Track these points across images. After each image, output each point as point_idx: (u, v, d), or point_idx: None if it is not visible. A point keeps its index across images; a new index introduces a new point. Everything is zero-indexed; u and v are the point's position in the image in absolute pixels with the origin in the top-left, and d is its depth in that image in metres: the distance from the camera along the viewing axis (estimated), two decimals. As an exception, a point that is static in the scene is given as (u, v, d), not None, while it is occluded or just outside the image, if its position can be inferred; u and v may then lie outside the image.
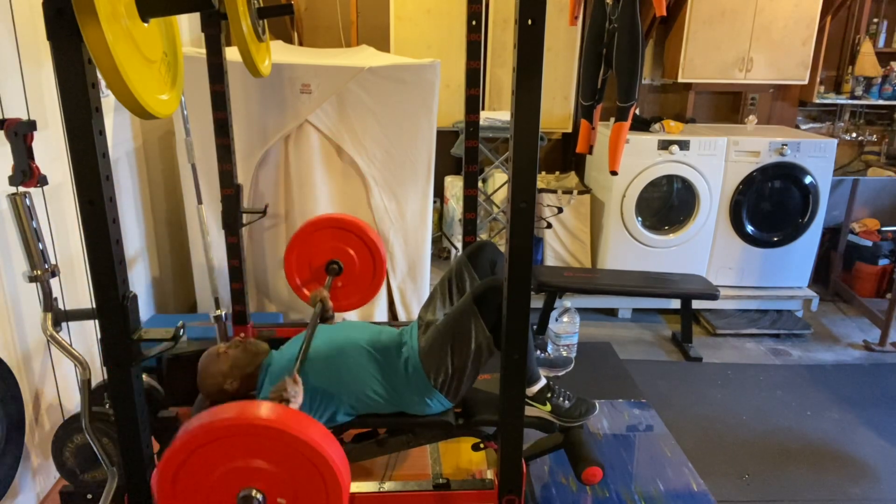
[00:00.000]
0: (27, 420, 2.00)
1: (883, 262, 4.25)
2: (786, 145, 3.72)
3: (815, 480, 2.54)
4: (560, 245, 4.08)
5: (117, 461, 1.79)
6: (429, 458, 2.29)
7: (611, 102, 3.13)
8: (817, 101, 4.28)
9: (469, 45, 2.37)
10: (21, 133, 1.56)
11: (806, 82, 4.07)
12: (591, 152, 3.24)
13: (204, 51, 2.34)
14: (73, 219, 2.32)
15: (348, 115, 3.00)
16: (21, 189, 1.64)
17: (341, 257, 2.53)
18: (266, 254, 3.25)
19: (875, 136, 4.49)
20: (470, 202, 2.59)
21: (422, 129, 3.05)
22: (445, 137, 3.84)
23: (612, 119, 3.01)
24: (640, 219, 3.85)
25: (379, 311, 3.33)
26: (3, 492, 1.85)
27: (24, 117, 1.63)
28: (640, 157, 3.70)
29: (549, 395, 1.91)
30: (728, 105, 4.50)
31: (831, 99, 4.32)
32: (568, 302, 3.41)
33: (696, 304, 3.76)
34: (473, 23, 2.34)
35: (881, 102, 4.30)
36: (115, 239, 1.30)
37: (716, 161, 3.75)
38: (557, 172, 4.51)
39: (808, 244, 3.93)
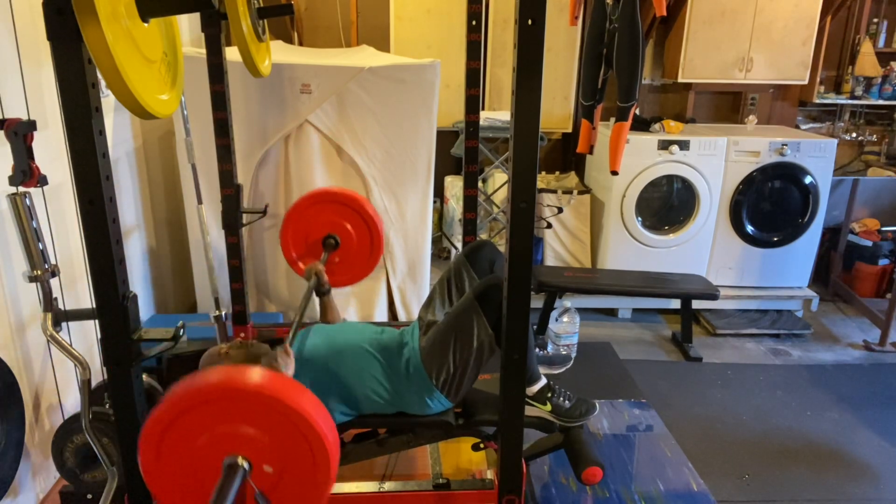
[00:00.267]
0: (27, 420, 2.00)
1: (883, 262, 4.25)
2: (786, 145, 3.72)
3: (815, 480, 2.54)
4: (560, 245, 4.08)
5: (117, 461, 1.80)
6: (429, 458, 2.29)
7: (611, 102, 3.14)
8: (817, 101, 4.29)
9: (469, 45, 2.37)
10: (21, 133, 1.56)
11: (806, 82, 4.07)
12: (591, 152, 3.24)
13: (204, 51, 2.34)
14: (73, 219, 2.32)
15: (348, 115, 3.00)
16: (21, 189, 1.64)
17: (338, 232, 2.48)
18: (266, 254, 3.25)
19: (875, 136, 4.49)
20: (470, 202, 2.59)
21: (422, 129, 3.06)
22: (445, 137, 3.84)
23: (613, 119, 3.01)
24: (640, 219, 3.85)
25: (379, 311, 3.33)
26: (3, 492, 1.85)
27: (24, 117, 1.63)
28: (640, 157, 3.70)
29: (549, 394, 1.91)
30: (728, 105, 4.50)
31: (831, 99, 4.32)
32: (568, 302, 3.41)
33: (696, 304, 3.76)
34: (473, 23, 2.34)
35: (881, 102, 4.30)
36: (115, 239, 1.30)
37: (716, 161, 3.75)
38: (557, 172, 4.51)
39: (808, 244, 3.93)
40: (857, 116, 4.50)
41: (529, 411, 1.82)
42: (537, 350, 3.38)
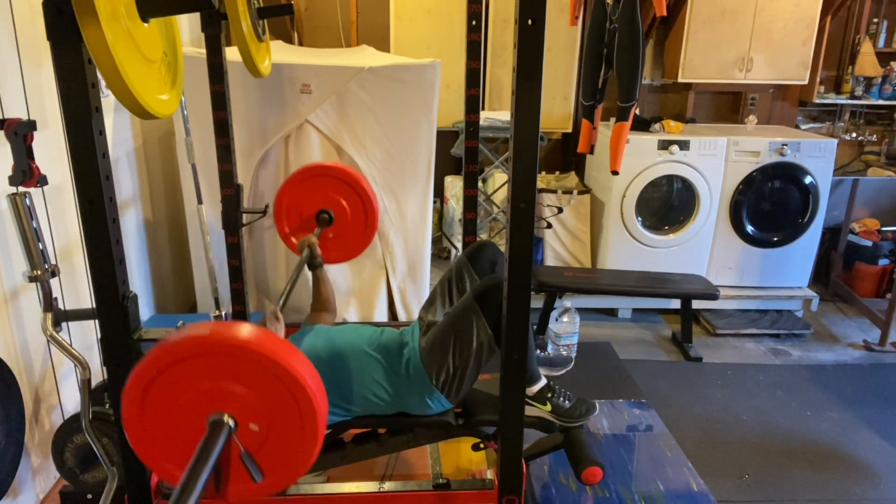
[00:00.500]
0: (27, 420, 2.00)
1: (883, 262, 4.25)
2: (786, 145, 3.72)
3: (815, 480, 2.54)
4: (560, 245, 4.08)
5: (117, 461, 1.80)
6: (429, 458, 2.28)
7: (611, 102, 3.13)
8: (817, 101, 4.29)
9: (469, 45, 2.37)
10: (21, 133, 1.56)
11: (806, 82, 4.07)
12: (591, 152, 3.24)
13: (204, 51, 2.33)
14: (73, 219, 2.32)
15: (348, 115, 3.00)
16: (21, 189, 1.64)
17: (333, 207, 2.43)
18: (266, 254, 3.25)
19: (875, 136, 4.49)
20: (470, 202, 2.59)
21: (422, 129, 3.06)
22: (445, 137, 3.84)
23: (613, 119, 3.01)
24: (640, 219, 3.85)
25: (379, 311, 3.33)
26: (3, 492, 1.85)
27: (24, 117, 1.63)
28: (640, 157, 3.70)
29: (549, 394, 1.91)
30: (728, 105, 4.50)
31: (831, 99, 4.32)
32: (568, 302, 3.41)
33: (696, 304, 3.76)
34: (473, 23, 2.34)
35: (881, 102, 4.30)
36: (115, 239, 1.30)
37: (716, 161, 3.75)
38: (557, 172, 4.51)
39: (808, 244, 3.93)
40: (857, 116, 4.50)
41: (529, 411, 1.82)
42: (538, 351, 3.38)
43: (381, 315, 3.34)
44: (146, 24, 1.21)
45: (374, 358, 1.84)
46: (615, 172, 3.04)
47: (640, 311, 4.02)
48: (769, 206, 3.89)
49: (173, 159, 3.20)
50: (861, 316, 4.06)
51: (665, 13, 3.68)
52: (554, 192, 4.00)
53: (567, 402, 1.92)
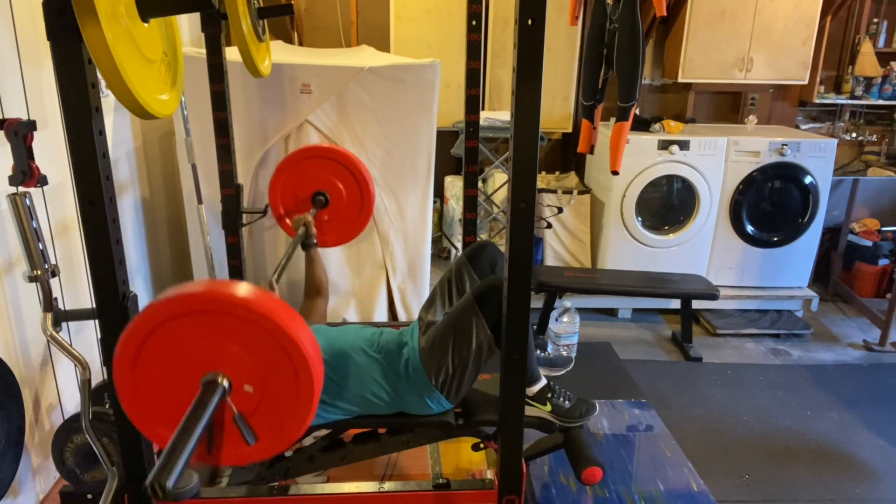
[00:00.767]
0: (27, 420, 2.00)
1: (883, 262, 4.25)
2: (786, 145, 3.72)
3: (815, 480, 2.54)
4: (560, 245, 4.08)
5: (117, 461, 1.80)
6: (429, 458, 2.29)
7: (611, 102, 3.13)
8: (817, 101, 4.29)
9: (469, 45, 2.37)
10: (21, 133, 1.56)
11: (806, 82, 4.07)
12: (592, 152, 3.24)
13: (204, 51, 2.34)
14: (73, 219, 2.32)
15: (348, 115, 3.00)
16: (21, 189, 1.64)
17: (329, 189, 2.42)
18: (266, 254, 3.25)
19: (875, 136, 4.49)
20: (470, 202, 2.59)
21: (422, 129, 3.06)
22: (445, 137, 3.84)
23: (613, 119, 3.01)
24: (640, 219, 3.85)
25: (379, 311, 3.33)
26: (3, 492, 1.85)
27: (24, 117, 1.63)
28: (640, 157, 3.70)
29: (549, 395, 1.91)
30: (728, 105, 4.50)
31: (831, 99, 4.32)
32: (568, 302, 3.41)
33: (696, 304, 3.76)
34: (473, 23, 2.34)
35: (881, 102, 4.30)
36: (115, 239, 1.30)
37: (716, 161, 3.75)
38: (557, 172, 4.51)
39: (808, 244, 3.93)
40: (857, 116, 4.50)
41: (529, 411, 1.82)
42: (538, 351, 3.38)
43: (381, 315, 3.34)
44: (146, 24, 1.21)
45: (374, 358, 1.84)
46: (615, 172, 3.04)
47: (640, 311, 4.02)
48: (769, 206, 3.89)
49: (173, 159, 3.20)
50: (861, 316, 4.06)
51: (665, 13, 3.68)
52: (554, 192, 4.00)
53: (567, 402, 1.92)
